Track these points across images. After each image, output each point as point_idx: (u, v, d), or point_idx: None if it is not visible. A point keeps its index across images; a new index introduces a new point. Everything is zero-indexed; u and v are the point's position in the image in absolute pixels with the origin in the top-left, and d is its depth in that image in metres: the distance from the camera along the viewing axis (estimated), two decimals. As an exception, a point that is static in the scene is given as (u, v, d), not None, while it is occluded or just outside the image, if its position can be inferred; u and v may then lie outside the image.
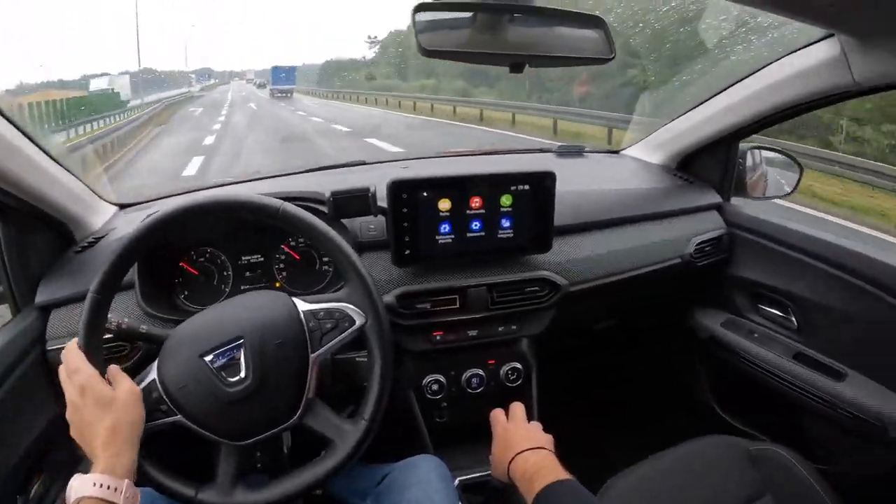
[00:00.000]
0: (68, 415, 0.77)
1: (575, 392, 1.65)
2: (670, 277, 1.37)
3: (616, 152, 1.67)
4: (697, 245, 1.35)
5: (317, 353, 0.86)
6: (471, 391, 1.24)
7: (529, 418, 1.14)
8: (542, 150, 1.70)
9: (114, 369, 0.81)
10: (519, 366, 1.25)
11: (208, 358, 0.82)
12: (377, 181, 1.12)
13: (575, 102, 12.39)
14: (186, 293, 1.19)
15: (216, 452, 0.85)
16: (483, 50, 0.77)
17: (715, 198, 1.45)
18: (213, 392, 0.81)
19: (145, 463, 0.79)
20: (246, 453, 0.86)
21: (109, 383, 0.78)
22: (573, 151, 1.61)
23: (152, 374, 0.84)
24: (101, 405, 0.75)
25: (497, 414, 1.07)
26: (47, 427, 1.03)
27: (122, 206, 1.41)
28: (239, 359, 0.82)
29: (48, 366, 1.06)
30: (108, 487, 0.69)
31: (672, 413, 1.68)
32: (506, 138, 11.23)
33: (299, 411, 0.85)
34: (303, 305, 0.88)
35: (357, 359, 0.94)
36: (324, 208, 1.07)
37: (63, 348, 1.02)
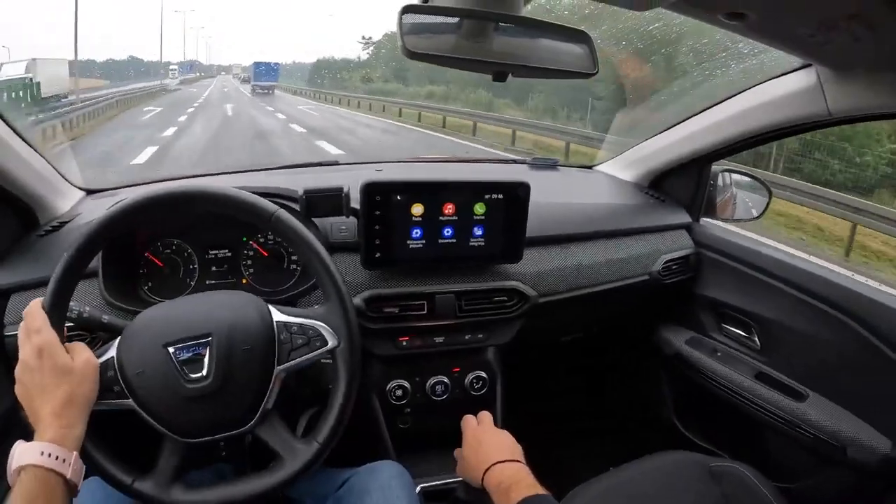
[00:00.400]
0: (17, 373, 0.75)
1: (539, 402, 1.66)
2: (638, 293, 1.39)
3: (589, 167, 1.69)
4: (665, 263, 1.37)
5: (282, 366, 0.84)
6: (435, 398, 1.23)
7: (495, 426, 1.14)
8: (515, 161, 1.72)
9: (76, 343, 0.79)
10: (484, 374, 1.25)
11: (172, 349, 0.80)
12: (350, 182, 1.10)
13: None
14: (150, 285, 1.16)
15: (160, 445, 0.83)
16: (467, 56, 0.77)
17: (685, 217, 1.47)
18: (170, 384, 0.80)
19: (87, 442, 0.77)
20: (190, 451, 0.84)
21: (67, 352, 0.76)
22: (546, 164, 1.62)
23: (111, 352, 0.82)
24: (59, 373, 0.73)
25: (468, 419, 1.07)
26: (3, 414, 0.99)
27: (90, 192, 1.38)
28: (203, 356, 0.81)
29: (5, 352, 1.03)
30: (57, 458, 0.67)
31: (635, 427, 1.71)
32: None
33: (254, 420, 0.83)
34: (277, 315, 0.86)
35: (323, 361, 0.92)
36: (296, 206, 1.05)
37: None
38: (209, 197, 0.86)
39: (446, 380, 1.24)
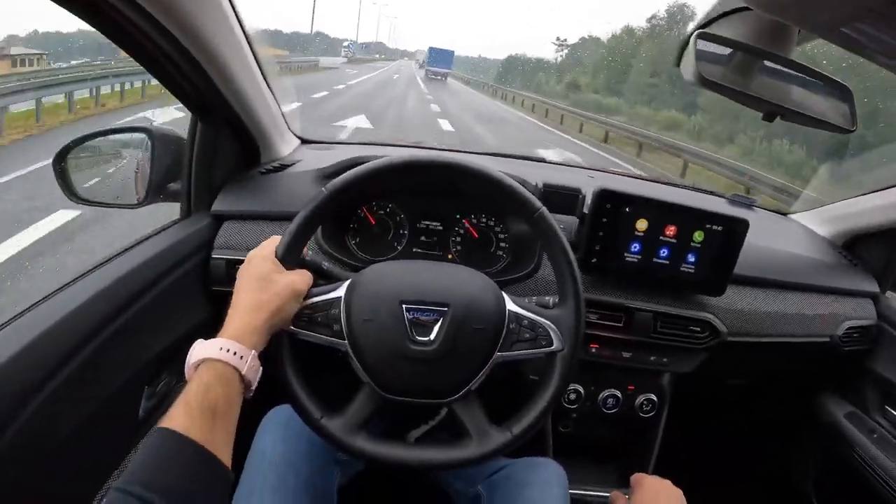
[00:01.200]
0: (240, 269, 0.79)
1: (685, 441, 1.62)
2: (812, 353, 1.35)
3: (784, 214, 1.66)
4: (847, 329, 1.33)
5: (503, 353, 0.84)
6: (605, 410, 1.25)
7: (649, 456, 1.16)
8: (713, 193, 1.71)
9: (301, 270, 0.82)
10: (655, 398, 1.27)
11: (408, 307, 0.82)
12: (566, 182, 1.15)
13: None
14: (358, 239, 1.21)
15: (356, 391, 0.85)
16: (744, 90, 0.80)
17: (873, 286, 1.41)
18: (394, 340, 0.81)
19: (288, 368, 0.80)
20: (385, 405, 0.85)
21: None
22: (744, 203, 1.60)
23: (338, 292, 0.84)
24: (257, 278, 0.75)
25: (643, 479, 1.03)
26: (189, 330, 1.07)
27: (304, 141, 1.47)
28: (435, 323, 0.82)
29: (208, 272, 1.11)
30: (234, 353, 0.67)
31: (766, 488, 1.67)
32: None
33: (457, 395, 0.84)
34: (511, 305, 0.86)
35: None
36: None
37: (224, 259, 1.10)
38: (483, 177, 0.87)
39: (619, 395, 1.26)
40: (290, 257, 0.81)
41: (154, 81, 0.96)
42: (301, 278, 0.80)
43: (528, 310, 0.87)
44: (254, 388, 0.70)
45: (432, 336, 0.81)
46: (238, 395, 0.68)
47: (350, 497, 1.04)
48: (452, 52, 45.62)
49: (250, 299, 0.74)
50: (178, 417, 0.60)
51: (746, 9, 0.80)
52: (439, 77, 39.46)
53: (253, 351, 0.70)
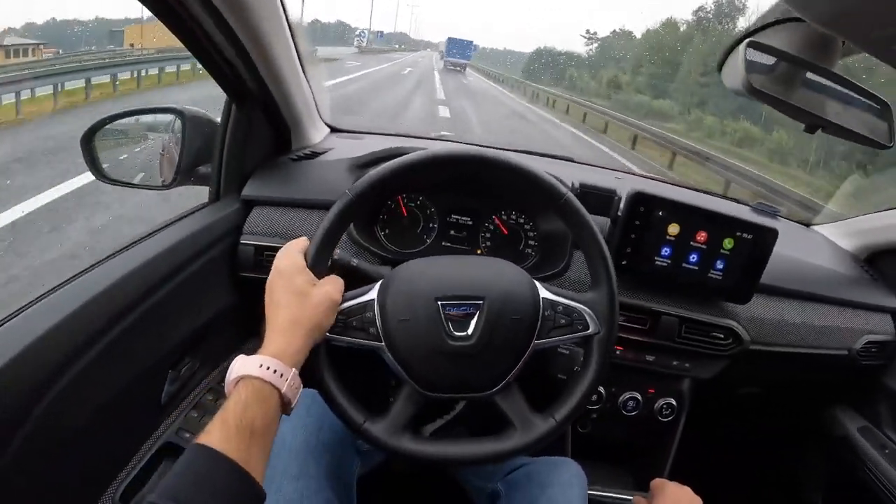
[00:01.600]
0: (269, 280, 0.77)
1: (700, 448, 1.60)
2: (829, 366, 1.35)
3: (808, 225, 1.66)
4: (865, 344, 1.32)
5: (541, 341, 0.83)
6: (624, 412, 1.26)
7: (665, 460, 1.16)
8: (737, 201, 1.70)
9: (332, 276, 0.81)
10: (675, 403, 1.27)
11: (443, 304, 0.81)
12: (599, 183, 1.15)
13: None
14: (387, 231, 1.22)
15: (397, 392, 0.84)
16: (787, 100, 0.80)
17: (893, 302, 1.41)
18: (432, 337, 0.80)
19: (327, 375, 0.79)
20: (425, 404, 0.84)
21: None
22: (769, 212, 1.59)
23: (371, 294, 0.83)
24: (293, 293, 0.74)
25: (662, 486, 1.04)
26: (214, 314, 1.08)
27: (334, 130, 1.48)
28: (472, 317, 0.81)
29: (236, 257, 1.12)
30: (275, 371, 0.67)
31: (775, 498, 1.67)
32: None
33: (498, 387, 0.83)
34: (544, 292, 0.85)
35: (560, 349, 0.92)
36: None
37: (253, 245, 1.10)
38: (508, 166, 0.86)
39: (640, 397, 1.26)
40: (320, 263, 0.80)
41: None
42: (335, 287, 0.79)
43: (561, 296, 0.86)
44: (293, 406, 0.70)
45: (470, 331, 0.80)
46: (276, 414, 0.67)
47: (369, 489, 1.04)
48: (471, 42, 45.22)
49: (289, 316, 0.73)
50: (215, 434, 0.60)
51: (797, 19, 0.80)
52: (458, 68, 38.97)
53: (294, 370, 0.69)
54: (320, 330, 0.76)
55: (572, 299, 0.86)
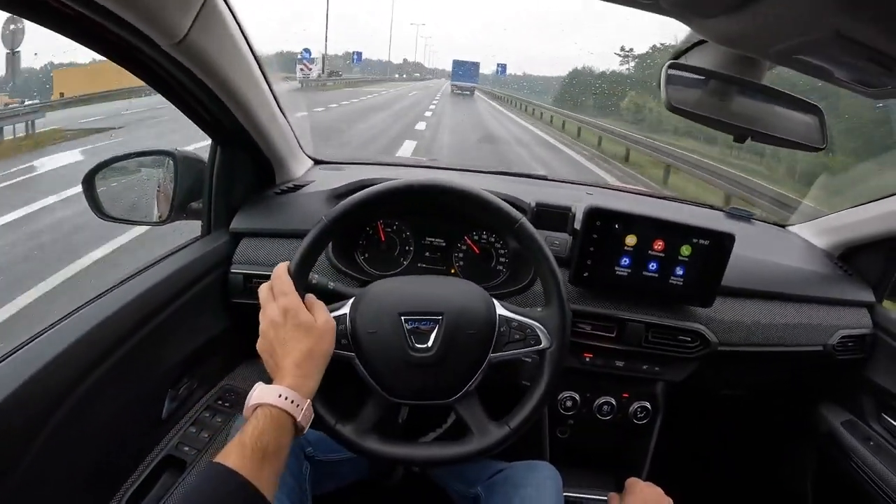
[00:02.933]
0: (263, 329, 0.82)
1: (682, 449, 1.67)
2: (807, 363, 1.38)
3: (782, 226, 1.69)
4: (842, 338, 1.35)
5: (496, 354, 0.91)
6: (600, 417, 1.30)
7: (643, 462, 1.20)
8: (712, 207, 1.74)
9: (313, 299, 0.87)
10: (649, 406, 1.31)
11: (406, 318, 0.89)
12: (560, 201, 1.21)
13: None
14: (367, 255, 1.30)
15: (365, 398, 0.92)
16: (715, 116, 0.85)
17: (869, 296, 1.43)
18: (396, 348, 0.88)
19: None
20: (390, 409, 0.92)
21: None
22: (742, 216, 1.64)
23: (345, 309, 0.91)
24: (302, 329, 0.80)
25: (635, 484, 1.09)
26: (209, 338, 1.17)
27: (317, 162, 1.56)
28: (431, 331, 0.89)
29: (227, 285, 1.21)
30: (292, 402, 0.73)
31: (766, 496, 1.69)
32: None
33: (457, 396, 0.91)
34: (500, 310, 0.93)
35: (524, 358, 0.98)
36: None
37: (242, 273, 1.18)
38: (463, 194, 0.95)
39: (614, 402, 1.30)
40: (301, 277, 0.87)
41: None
42: (327, 313, 0.86)
43: (516, 313, 0.94)
44: (305, 431, 0.76)
45: (430, 343, 0.89)
46: (289, 439, 0.74)
47: (354, 500, 1.10)
48: (477, 63, 44.77)
49: (304, 350, 0.79)
50: (232, 455, 0.67)
51: (713, 40, 0.86)
52: (466, 92, 37.97)
53: (308, 401, 0.76)
54: (327, 357, 0.83)
55: (526, 316, 0.94)
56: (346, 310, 0.91)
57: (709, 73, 0.86)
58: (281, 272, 0.86)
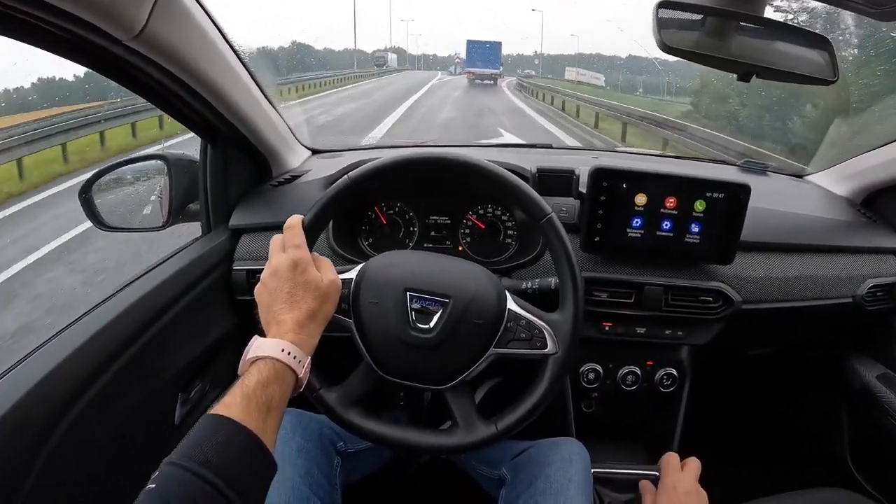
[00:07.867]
0: (265, 276, 0.79)
1: (713, 413, 1.61)
2: (836, 316, 1.32)
3: (800, 176, 1.63)
4: (870, 288, 1.28)
5: (498, 350, 0.87)
6: (624, 387, 1.26)
7: (673, 431, 1.16)
8: (725, 162, 1.68)
9: (323, 258, 0.84)
10: (675, 372, 1.27)
11: (412, 295, 0.86)
12: (565, 165, 1.17)
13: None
14: (371, 240, 1.28)
15: (355, 368, 0.90)
16: (715, 54, 0.81)
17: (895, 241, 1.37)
18: (396, 324, 0.86)
19: None
20: (381, 385, 0.89)
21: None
22: (757, 169, 1.58)
23: (351, 274, 0.89)
24: (308, 287, 0.77)
25: (671, 459, 1.08)
26: (217, 338, 1.14)
27: (315, 152, 1.53)
28: (436, 313, 0.86)
29: (229, 283, 1.19)
30: (294, 357, 0.71)
31: (802, 456, 1.64)
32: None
33: (451, 384, 0.88)
34: (511, 304, 0.89)
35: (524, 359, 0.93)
36: None
37: (245, 270, 1.15)
38: (491, 177, 0.90)
39: (638, 371, 1.26)
40: (314, 233, 0.86)
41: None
42: (335, 273, 0.83)
43: (527, 311, 0.90)
44: (302, 388, 0.75)
45: (432, 324, 0.86)
46: (289, 394, 0.72)
47: (380, 488, 1.07)
48: (499, 42, 35.89)
49: (306, 311, 0.76)
50: (235, 406, 0.64)
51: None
52: (488, 82, 30.50)
53: (309, 358, 0.75)
54: (329, 318, 0.81)
55: (538, 316, 0.89)
56: (352, 274, 0.89)
57: (705, 10, 0.82)
58: (295, 223, 0.83)
